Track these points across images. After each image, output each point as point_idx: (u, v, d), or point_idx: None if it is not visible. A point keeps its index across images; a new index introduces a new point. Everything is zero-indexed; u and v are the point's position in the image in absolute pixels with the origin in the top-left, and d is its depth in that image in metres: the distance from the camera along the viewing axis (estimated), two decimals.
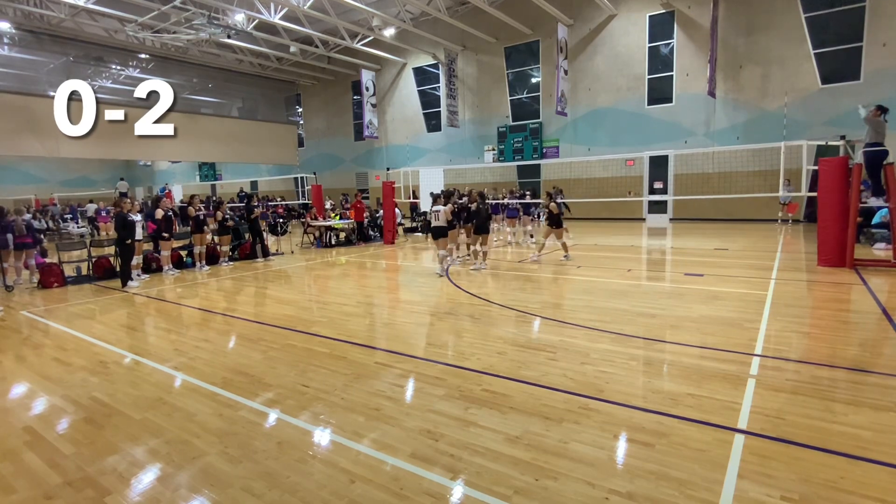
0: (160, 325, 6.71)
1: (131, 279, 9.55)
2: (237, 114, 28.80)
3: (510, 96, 23.25)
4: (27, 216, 10.56)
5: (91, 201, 23.24)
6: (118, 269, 9.80)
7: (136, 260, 10.16)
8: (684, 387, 3.94)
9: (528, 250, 12.47)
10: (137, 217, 9.64)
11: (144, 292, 8.89)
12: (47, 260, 10.65)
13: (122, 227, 9.19)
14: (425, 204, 21.83)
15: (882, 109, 8.70)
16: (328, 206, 19.79)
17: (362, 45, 23.30)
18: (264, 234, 13.38)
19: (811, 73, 16.41)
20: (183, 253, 11.59)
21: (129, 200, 9.87)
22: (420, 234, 18.36)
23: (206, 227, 11.37)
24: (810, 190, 10.39)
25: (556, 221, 10.33)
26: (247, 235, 12.99)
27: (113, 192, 24.84)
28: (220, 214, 11.49)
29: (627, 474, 2.80)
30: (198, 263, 11.32)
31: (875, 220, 11.15)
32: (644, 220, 19.22)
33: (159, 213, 10.38)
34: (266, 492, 2.76)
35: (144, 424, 3.64)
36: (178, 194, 31.00)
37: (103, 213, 21.29)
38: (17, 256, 9.87)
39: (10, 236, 9.63)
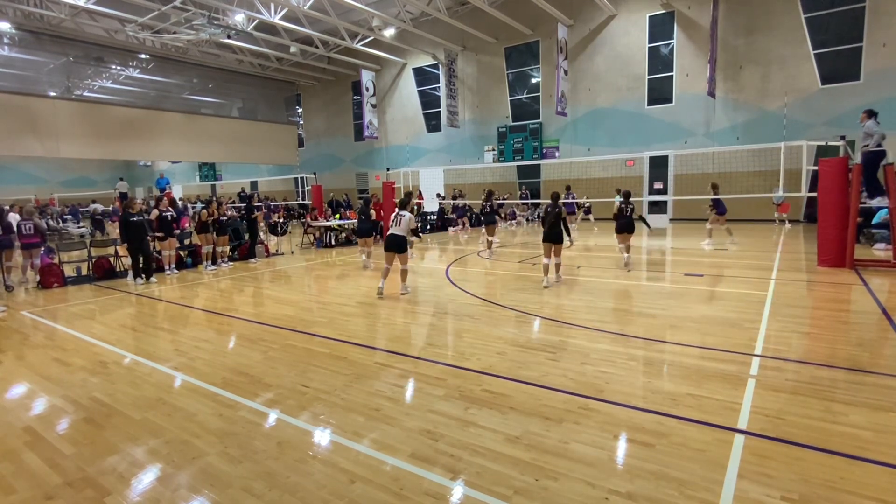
0: (160, 325, 6.71)
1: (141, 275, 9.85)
2: (237, 114, 28.79)
3: (510, 96, 23.25)
4: (35, 216, 10.50)
5: (94, 201, 23.20)
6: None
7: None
8: (684, 387, 3.94)
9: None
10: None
11: (145, 292, 8.90)
12: (49, 259, 10.62)
13: (125, 228, 9.44)
14: (430, 205, 21.86)
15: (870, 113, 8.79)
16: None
17: (362, 45, 23.31)
18: (264, 235, 13.35)
19: (811, 73, 16.42)
20: (183, 253, 11.61)
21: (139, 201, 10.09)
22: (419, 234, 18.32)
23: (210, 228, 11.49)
24: (810, 190, 10.39)
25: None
26: (246, 236, 13.02)
27: (113, 192, 24.78)
28: (213, 212, 11.49)
29: (627, 474, 2.80)
30: (204, 263, 11.47)
31: (875, 220, 11.16)
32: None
33: (154, 214, 10.40)
34: (266, 492, 2.76)
35: (144, 424, 3.64)
36: (177, 194, 30.99)
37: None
38: (25, 255, 9.86)
39: (13, 236, 9.61)
